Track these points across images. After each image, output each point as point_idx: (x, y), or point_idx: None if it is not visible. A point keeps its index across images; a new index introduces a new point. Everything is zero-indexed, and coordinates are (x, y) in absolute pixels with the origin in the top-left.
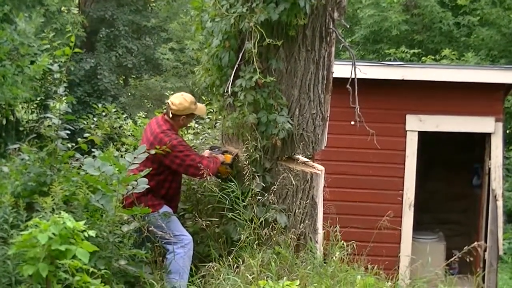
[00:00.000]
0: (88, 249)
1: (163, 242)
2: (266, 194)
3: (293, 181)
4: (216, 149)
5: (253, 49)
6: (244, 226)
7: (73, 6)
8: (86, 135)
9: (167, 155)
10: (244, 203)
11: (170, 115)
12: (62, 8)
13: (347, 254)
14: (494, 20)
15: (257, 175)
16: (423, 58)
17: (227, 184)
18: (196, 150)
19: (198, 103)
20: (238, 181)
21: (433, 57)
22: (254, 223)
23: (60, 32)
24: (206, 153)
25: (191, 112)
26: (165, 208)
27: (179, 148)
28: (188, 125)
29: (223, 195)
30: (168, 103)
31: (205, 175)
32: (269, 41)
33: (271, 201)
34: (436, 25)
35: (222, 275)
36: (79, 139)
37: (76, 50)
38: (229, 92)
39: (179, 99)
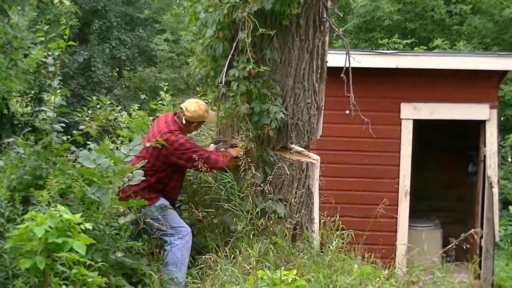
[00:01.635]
0: (85, 242)
1: (160, 234)
2: (262, 185)
3: (288, 171)
4: (221, 143)
5: (246, 39)
6: (241, 216)
7: None
8: (81, 127)
9: (173, 153)
10: (241, 194)
11: (184, 121)
12: (56, 0)
13: (344, 243)
14: (486, 9)
15: (253, 166)
16: (415, 48)
17: (223, 175)
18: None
19: (210, 111)
20: (234, 172)
21: (425, 47)
22: (251, 213)
23: (53, 23)
24: (211, 147)
25: (203, 120)
26: (162, 201)
27: (186, 146)
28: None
29: (219, 186)
30: (181, 108)
31: (214, 169)
32: (262, 31)
33: (267, 191)
34: (428, 14)
35: (219, 265)
36: (74, 131)
37: (71, 43)
38: (223, 83)
39: (194, 107)
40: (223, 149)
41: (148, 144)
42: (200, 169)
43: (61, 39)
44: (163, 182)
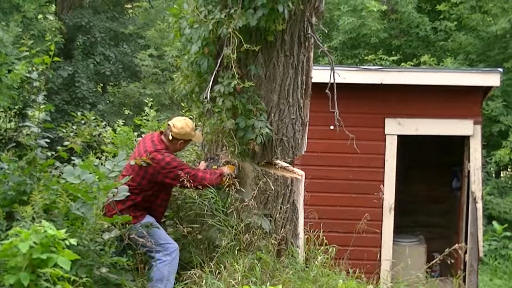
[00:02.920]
0: (69, 257)
1: (147, 251)
2: (247, 200)
3: (273, 187)
4: (212, 160)
5: (231, 55)
6: (225, 232)
7: (50, 13)
8: (66, 143)
9: (160, 172)
10: (224, 209)
11: (170, 138)
12: (39, 16)
13: (328, 258)
14: (472, 26)
15: (236, 181)
16: (402, 64)
17: (207, 190)
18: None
19: (196, 131)
20: (218, 188)
21: (412, 63)
22: (235, 228)
23: (38, 38)
24: (202, 165)
25: (189, 138)
26: (148, 218)
27: (172, 164)
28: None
29: (203, 202)
30: (169, 124)
31: (201, 186)
32: (247, 47)
33: (251, 206)
34: (413, 30)
35: (204, 281)
36: (58, 147)
37: (56, 59)
38: (208, 98)
39: (182, 123)
40: (215, 167)
41: (133, 162)
42: (186, 186)
43: (46, 54)
44: (149, 200)
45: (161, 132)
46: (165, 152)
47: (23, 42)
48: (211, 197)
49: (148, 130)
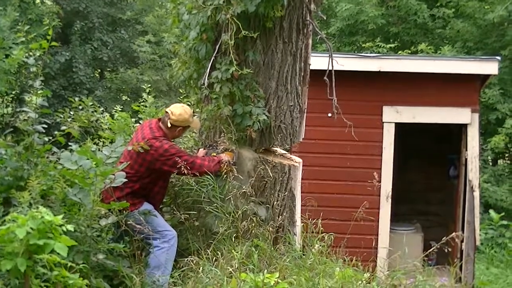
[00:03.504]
0: (66, 244)
1: (145, 238)
2: (244, 187)
3: (271, 174)
4: (211, 148)
5: (229, 41)
6: (223, 219)
7: None
8: (63, 128)
9: (158, 159)
10: (221, 196)
11: (169, 125)
12: (37, 1)
13: (325, 246)
14: (470, 13)
15: (235, 168)
16: (399, 52)
17: (205, 177)
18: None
19: (194, 117)
20: (216, 175)
21: (409, 51)
22: (233, 216)
23: (35, 23)
24: (201, 152)
25: (187, 125)
26: (146, 206)
27: (171, 151)
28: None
29: (201, 188)
30: (167, 112)
31: (200, 174)
32: (245, 33)
33: (249, 193)
34: (411, 18)
35: (201, 268)
36: (55, 132)
37: (53, 43)
38: (206, 84)
39: (180, 110)
40: (214, 154)
41: (130, 148)
42: (184, 174)
43: (44, 39)
44: (147, 188)
45: (159, 119)
46: (163, 140)
47: (20, 28)
48: (209, 184)
49: (146, 116)
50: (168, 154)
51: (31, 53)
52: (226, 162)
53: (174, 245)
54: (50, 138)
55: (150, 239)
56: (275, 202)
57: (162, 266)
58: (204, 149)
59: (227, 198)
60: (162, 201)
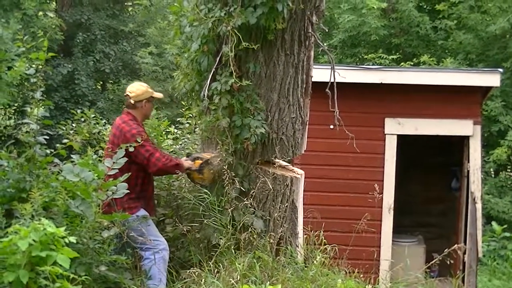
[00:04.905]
0: (68, 255)
1: (138, 245)
2: (245, 199)
3: (272, 186)
4: (191, 156)
5: (229, 53)
6: (222, 231)
7: (50, 10)
8: (65, 141)
9: (129, 140)
10: (219, 208)
11: (132, 102)
12: (40, 13)
13: (327, 258)
14: (472, 25)
15: (236, 180)
16: (402, 63)
17: (203, 189)
18: (176, 155)
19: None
20: (216, 186)
21: (411, 63)
22: (234, 227)
23: (37, 36)
24: (184, 159)
25: (150, 96)
26: (143, 212)
27: (140, 135)
28: (151, 114)
29: (197, 200)
30: (126, 95)
31: (155, 167)
32: (245, 45)
33: (249, 205)
34: (413, 29)
35: (203, 280)
36: (57, 145)
37: (50, 54)
38: (206, 96)
39: (135, 86)
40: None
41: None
42: (143, 163)
43: (41, 50)
44: (137, 183)
45: (126, 108)
46: (133, 124)
47: (18, 38)
48: (205, 195)
49: (148, 128)
50: (134, 139)
51: (31, 64)
52: (185, 168)
53: (165, 255)
54: (52, 150)
55: (142, 249)
56: (276, 214)
57: (157, 277)
58: (186, 157)
59: (222, 209)
60: (154, 208)
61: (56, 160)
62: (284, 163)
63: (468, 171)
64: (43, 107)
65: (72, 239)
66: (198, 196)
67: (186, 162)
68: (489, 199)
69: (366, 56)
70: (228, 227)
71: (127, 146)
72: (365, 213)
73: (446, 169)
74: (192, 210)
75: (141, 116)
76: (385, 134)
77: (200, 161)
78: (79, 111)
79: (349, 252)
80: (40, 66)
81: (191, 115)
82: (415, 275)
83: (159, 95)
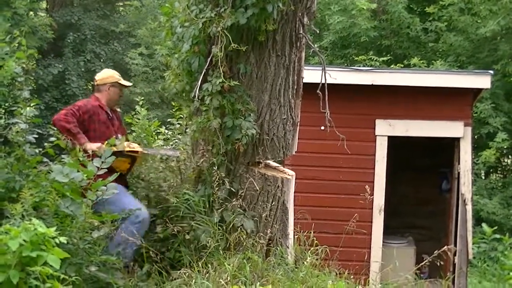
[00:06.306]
0: (59, 256)
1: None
2: (234, 199)
3: (263, 186)
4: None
5: (219, 54)
6: (211, 231)
7: (41, 9)
8: (52, 139)
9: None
10: (208, 209)
11: (96, 85)
12: (30, 13)
13: (318, 259)
14: (462, 27)
15: (226, 180)
16: (392, 65)
17: (189, 190)
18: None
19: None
20: (206, 186)
21: (402, 65)
22: (223, 228)
23: (28, 35)
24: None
25: (115, 81)
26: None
27: (68, 107)
28: (119, 98)
29: (185, 201)
30: (94, 79)
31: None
32: (235, 46)
33: (239, 206)
34: (404, 31)
35: (194, 281)
36: (46, 144)
37: (30, 52)
38: (197, 97)
39: (103, 72)
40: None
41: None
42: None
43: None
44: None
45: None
46: (84, 100)
47: (2, 38)
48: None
49: (139, 128)
50: (69, 107)
51: (21, 64)
52: (83, 145)
53: (144, 223)
54: (41, 149)
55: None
56: (267, 215)
57: (128, 242)
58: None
59: (209, 210)
60: (126, 181)
61: (46, 159)
62: (275, 164)
63: (458, 173)
64: (32, 106)
65: (63, 239)
66: (186, 197)
67: (91, 145)
68: (477, 199)
69: (356, 58)
70: (218, 227)
71: None
72: (355, 214)
73: (436, 170)
74: (181, 211)
75: (105, 100)
76: (376, 136)
77: (116, 147)
78: None
79: (339, 253)
80: (31, 66)
81: (181, 116)
82: (405, 277)
83: (126, 82)
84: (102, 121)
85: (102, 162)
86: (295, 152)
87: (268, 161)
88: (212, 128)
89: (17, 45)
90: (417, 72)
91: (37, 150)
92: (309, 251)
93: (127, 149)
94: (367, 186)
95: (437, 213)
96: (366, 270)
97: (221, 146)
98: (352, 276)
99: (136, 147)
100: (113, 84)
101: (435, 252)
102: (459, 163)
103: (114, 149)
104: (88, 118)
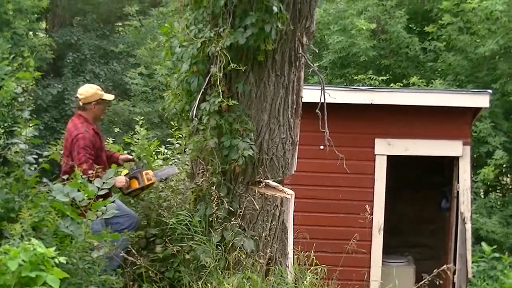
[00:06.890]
0: (58, 276)
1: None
2: (233, 219)
3: (263, 206)
4: (132, 171)
5: (218, 73)
6: (210, 251)
7: (40, 29)
8: (45, 153)
9: (72, 142)
10: (203, 229)
11: (81, 104)
12: (30, 33)
13: (317, 278)
14: (461, 47)
15: (225, 200)
16: (391, 84)
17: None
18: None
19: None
20: (206, 206)
21: (401, 84)
22: (222, 247)
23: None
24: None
25: (99, 98)
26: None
27: (79, 143)
28: (103, 113)
29: (185, 221)
30: (77, 97)
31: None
32: (234, 66)
33: (238, 225)
34: (403, 50)
35: None
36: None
37: (37, 73)
38: (195, 116)
39: (85, 88)
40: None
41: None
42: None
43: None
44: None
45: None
46: (81, 128)
47: (5, 57)
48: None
49: (138, 148)
50: (76, 142)
51: (21, 84)
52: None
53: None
54: (37, 166)
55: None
56: (266, 235)
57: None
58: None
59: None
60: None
61: (45, 180)
62: (274, 184)
63: (457, 192)
64: (32, 126)
65: (62, 259)
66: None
67: (120, 181)
68: (477, 218)
69: (355, 77)
70: (217, 247)
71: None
72: (354, 233)
73: (435, 189)
74: (180, 231)
75: (91, 118)
76: (375, 155)
77: (135, 185)
78: None
79: (339, 273)
80: (31, 86)
81: (181, 136)
82: None
83: (109, 96)
84: (99, 147)
85: (104, 183)
86: (295, 171)
87: (267, 181)
88: (208, 147)
89: (18, 65)
90: (416, 91)
91: (33, 168)
92: (309, 271)
93: (147, 183)
94: (367, 205)
95: (437, 231)
96: None
97: (217, 166)
98: None
99: (151, 175)
100: (98, 102)
101: (434, 271)
102: (458, 182)
103: (137, 185)
104: (95, 151)
